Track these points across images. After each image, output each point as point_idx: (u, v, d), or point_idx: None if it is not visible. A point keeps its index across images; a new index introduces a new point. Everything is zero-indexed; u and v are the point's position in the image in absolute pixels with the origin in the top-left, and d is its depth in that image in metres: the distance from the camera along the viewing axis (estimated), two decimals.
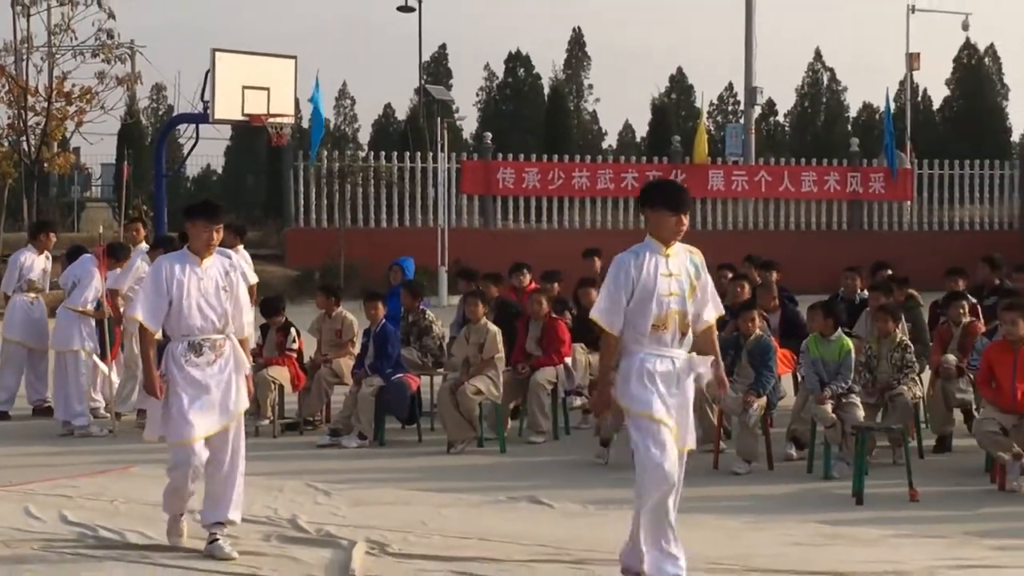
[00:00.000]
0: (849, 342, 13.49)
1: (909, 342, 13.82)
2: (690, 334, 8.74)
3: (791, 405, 13.98)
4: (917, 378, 13.82)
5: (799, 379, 13.88)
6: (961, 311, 14.55)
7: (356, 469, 13.31)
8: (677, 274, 8.58)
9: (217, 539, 9.33)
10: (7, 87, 36.23)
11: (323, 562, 9.47)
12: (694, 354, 8.71)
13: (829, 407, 12.83)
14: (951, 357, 14.13)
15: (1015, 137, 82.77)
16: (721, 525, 10.71)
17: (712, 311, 8.87)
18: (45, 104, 35.66)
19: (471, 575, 9.03)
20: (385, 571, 9.15)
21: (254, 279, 15.28)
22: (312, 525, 10.49)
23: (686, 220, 8.68)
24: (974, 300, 15.19)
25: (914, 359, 13.71)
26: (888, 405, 13.28)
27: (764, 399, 13.24)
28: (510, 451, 14.26)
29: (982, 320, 14.81)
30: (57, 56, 36.07)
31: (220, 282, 9.52)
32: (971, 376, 13.82)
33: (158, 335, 9.71)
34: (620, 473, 13.13)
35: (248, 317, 9.90)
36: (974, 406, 14.28)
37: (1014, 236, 38.32)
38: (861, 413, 12.84)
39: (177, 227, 23.22)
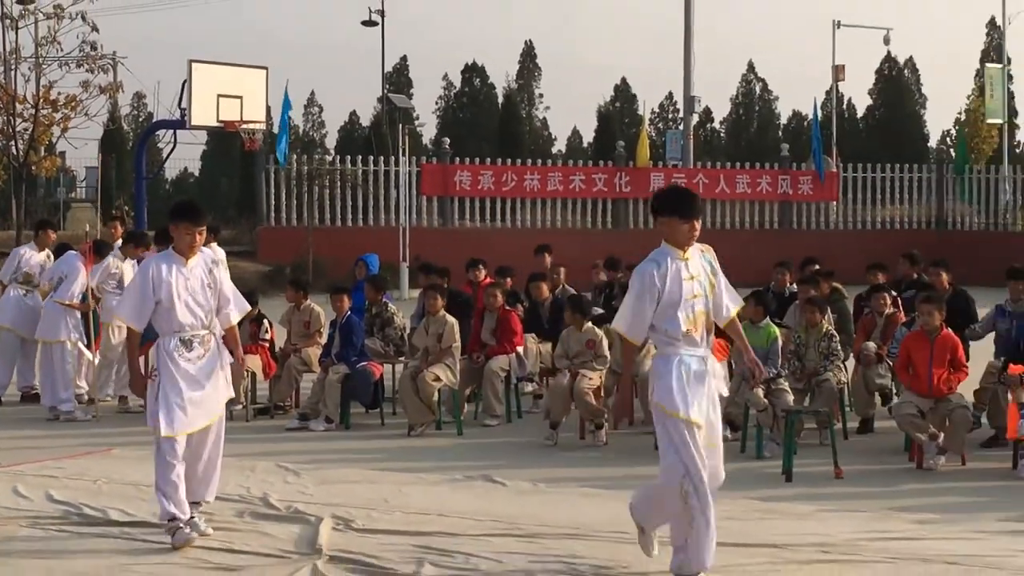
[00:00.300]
0: (776, 330, 13.56)
1: (835, 332, 13.90)
2: (711, 332, 8.43)
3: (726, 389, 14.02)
4: (842, 365, 13.88)
5: (733, 366, 13.92)
6: (883, 302, 14.64)
7: (323, 451, 13.29)
8: (697, 276, 8.28)
9: (193, 517, 9.28)
10: None
11: (292, 537, 9.45)
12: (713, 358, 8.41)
13: (761, 392, 12.89)
14: (871, 345, 14.24)
15: (932, 143, 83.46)
16: None
17: (732, 303, 8.56)
18: (33, 111, 35.52)
19: (430, 548, 9.02)
20: (350, 545, 9.13)
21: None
22: (282, 502, 10.47)
23: (698, 225, 8.33)
24: (894, 293, 15.28)
25: (839, 348, 13.78)
26: (815, 390, 13.34)
27: None
28: (466, 433, 14.25)
29: (902, 311, 14.91)
30: (44, 66, 35.81)
31: (205, 279, 9.41)
32: (890, 363, 13.93)
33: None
34: (568, 453, 13.20)
35: (239, 306, 9.82)
36: (892, 391, 14.40)
37: (931, 234, 38.54)
38: (790, 398, 12.90)
39: (156, 226, 23.19)
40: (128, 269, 15.75)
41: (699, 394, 8.10)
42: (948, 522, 9.98)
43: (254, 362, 15.27)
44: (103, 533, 9.60)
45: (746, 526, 9.73)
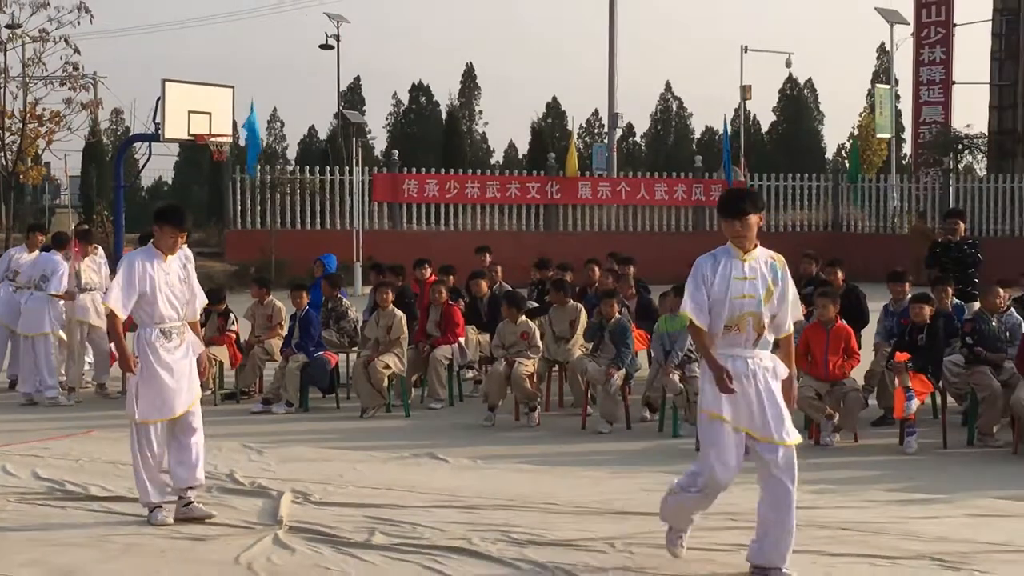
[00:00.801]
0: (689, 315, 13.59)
1: None
2: (768, 336, 7.70)
3: (646, 376, 14.07)
4: None
5: (652, 355, 13.96)
6: None
7: (284, 431, 13.24)
8: (752, 277, 7.57)
9: (191, 501, 9.14)
10: None
11: (256, 509, 9.42)
12: (779, 361, 7.76)
13: (676, 377, 12.93)
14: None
15: (828, 155, 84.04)
16: (587, 475, 10.75)
17: (789, 321, 7.75)
18: (20, 125, 35.35)
19: (380, 519, 9.00)
20: (308, 517, 9.10)
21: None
22: (247, 478, 10.42)
23: (744, 223, 7.63)
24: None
25: None
26: None
27: (623, 371, 13.31)
28: (413, 416, 14.23)
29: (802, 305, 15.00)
30: (30, 85, 35.62)
31: (181, 275, 9.32)
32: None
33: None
34: (505, 433, 13.20)
35: (201, 300, 9.72)
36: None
37: (827, 236, 38.73)
38: None
39: (133, 228, 22.95)
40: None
41: (736, 394, 7.47)
42: (842, 492, 10.06)
43: (221, 352, 15.24)
44: (84, 507, 9.55)
45: (658, 496, 9.68)
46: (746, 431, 7.52)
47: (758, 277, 7.59)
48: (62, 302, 15.45)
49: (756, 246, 7.72)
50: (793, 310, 7.74)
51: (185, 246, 9.54)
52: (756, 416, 7.48)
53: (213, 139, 22.05)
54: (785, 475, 7.51)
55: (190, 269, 9.48)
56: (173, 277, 9.23)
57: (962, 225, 17.01)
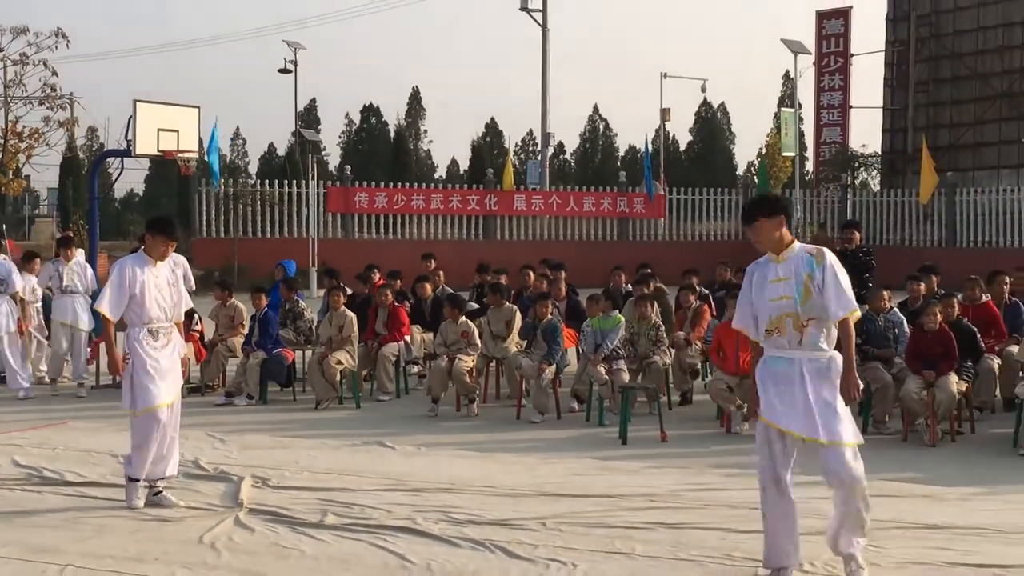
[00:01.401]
0: (621, 318, 13.65)
1: (661, 323, 14.02)
2: (816, 333, 6.94)
3: (575, 370, 14.09)
4: (667, 349, 13.99)
5: (580, 351, 13.99)
6: (690, 298, 14.82)
7: (245, 422, 13.15)
8: (787, 278, 6.99)
9: (161, 491, 9.01)
10: None
11: (219, 492, 9.35)
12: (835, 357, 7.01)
13: (602, 371, 12.97)
14: (682, 333, 14.40)
15: (739, 171, 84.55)
16: (521, 461, 10.74)
17: (837, 308, 6.91)
18: (2, 141, 34.99)
19: (333, 501, 8.95)
20: (266, 500, 9.04)
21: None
22: (211, 465, 10.35)
23: (752, 228, 7.11)
24: (707, 291, 15.44)
25: (664, 335, 13.91)
26: (645, 370, 13.44)
27: (554, 366, 13.33)
28: (363, 407, 14.17)
29: (713, 306, 15.11)
30: (11, 104, 35.28)
31: (170, 279, 9.25)
32: (700, 347, 14.12)
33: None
34: (447, 422, 13.17)
35: (186, 305, 9.61)
36: (699, 369, 14.55)
37: (739, 245, 38.89)
38: (626, 376, 13.00)
39: (107, 237, 22.68)
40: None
41: (783, 395, 6.92)
42: (750, 476, 10.06)
43: (188, 349, 15.10)
44: (59, 492, 9.42)
45: (588, 480, 9.79)
46: (793, 433, 6.88)
47: (792, 276, 6.99)
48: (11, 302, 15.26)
49: (789, 246, 7.10)
50: (837, 300, 6.90)
51: (175, 254, 9.46)
52: (802, 417, 6.82)
53: (180, 155, 21.92)
54: (839, 473, 6.79)
55: (179, 274, 9.40)
56: (162, 281, 9.15)
57: (857, 235, 17.17)
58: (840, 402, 6.84)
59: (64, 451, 11.06)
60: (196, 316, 15.58)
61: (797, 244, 7.15)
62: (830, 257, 7.08)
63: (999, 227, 36.80)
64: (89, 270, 16.03)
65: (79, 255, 16.40)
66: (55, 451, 11.06)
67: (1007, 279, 14.01)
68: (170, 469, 9.14)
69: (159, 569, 7.26)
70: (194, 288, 16.67)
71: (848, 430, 6.81)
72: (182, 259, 17.03)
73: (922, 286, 13.63)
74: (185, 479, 9.75)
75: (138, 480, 8.89)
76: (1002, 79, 43.17)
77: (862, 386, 6.97)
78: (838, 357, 6.94)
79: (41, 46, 34.35)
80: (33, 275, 16.10)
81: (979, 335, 12.57)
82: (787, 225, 7.24)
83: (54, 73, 34.69)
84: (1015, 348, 12.67)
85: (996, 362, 12.89)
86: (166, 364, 9.08)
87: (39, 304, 16.31)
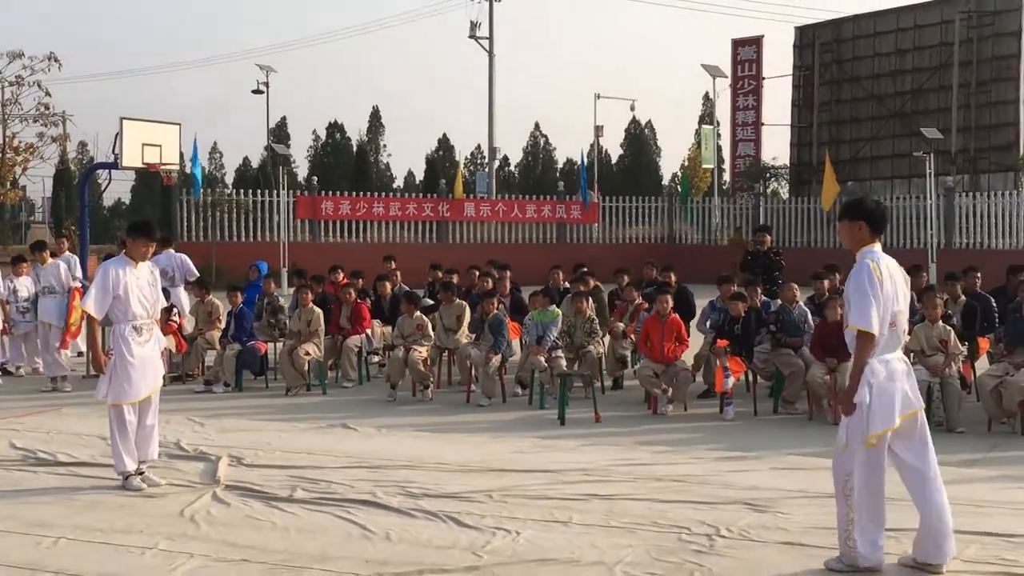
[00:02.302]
0: (559, 312, 13.65)
1: (595, 316, 14.05)
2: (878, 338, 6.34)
3: (519, 359, 14.10)
4: (600, 340, 14.02)
5: (523, 342, 13.98)
6: (633, 296, 14.85)
7: (222, 407, 13.05)
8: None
9: (143, 472, 8.90)
10: None
11: (198, 471, 9.29)
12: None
13: (543, 359, 12.98)
14: (621, 325, 14.43)
15: (665, 181, 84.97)
16: (470, 440, 10.75)
17: (847, 319, 6.46)
18: (0, 155, 34.57)
19: (302, 478, 8.92)
20: (241, 477, 8.99)
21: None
22: (190, 446, 10.28)
23: (842, 227, 6.65)
24: (636, 291, 15.50)
25: (598, 328, 13.93)
26: (581, 359, 13.46)
27: (500, 356, 13.33)
28: (329, 393, 14.10)
29: (644, 302, 15.15)
30: (8, 121, 34.89)
31: (150, 280, 9.15)
32: (633, 338, 14.16)
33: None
34: (404, 406, 13.14)
35: (161, 305, 9.49)
36: (629, 358, 14.58)
37: (664, 247, 39.16)
38: (564, 364, 13.00)
39: (97, 241, 22.43)
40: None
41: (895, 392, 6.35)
42: (674, 452, 10.17)
43: (170, 341, 14.98)
44: (53, 472, 9.34)
45: (530, 457, 9.80)
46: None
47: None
48: None
49: (861, 250, 6.54)
50: (848, 306, 6.44)
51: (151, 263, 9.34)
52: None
53: (163, 167, 21.74)
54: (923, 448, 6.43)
55: (156, 275, 9.29)
56: (143, 281, 9.04)
57: (768, 238, 17.32)
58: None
59: (57, 435, 10.95)
60: (175, 309, 15.48)
61: (868, 251, 6.52)
62: (857, 265, 6.48)
63: (893, 230, 37.22)
64: (62, 268, 15.65)
65: (66, 256, 16.13)
66: (49, 435, 10.95)
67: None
68: (152, 453, 9.04)
69: (144, 539, 7.20)
70: (197, 275, 17.24)
71: (840, 438, 6.45)
72: (183, 256, 17.19)
73: (825, 283, 13.75)
74: (167, 459, 9.67)
75: (129, 475, 8.78)
76: (895, 100, 43.64)
77: (865, 401, 6.28)
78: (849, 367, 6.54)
79: (35, 69, 34.19)
80: (20, 277, 15.82)
81: None
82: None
83: (47, 93, 34.55)
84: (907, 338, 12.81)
85: None
86: (149, 358, 8.96)
87: (25, 304, 15.94)
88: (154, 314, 9.17)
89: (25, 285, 15.82)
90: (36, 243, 16.92)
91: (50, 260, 15.77)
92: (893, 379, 6.37)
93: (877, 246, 6.57)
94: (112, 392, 8.81)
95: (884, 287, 6.35)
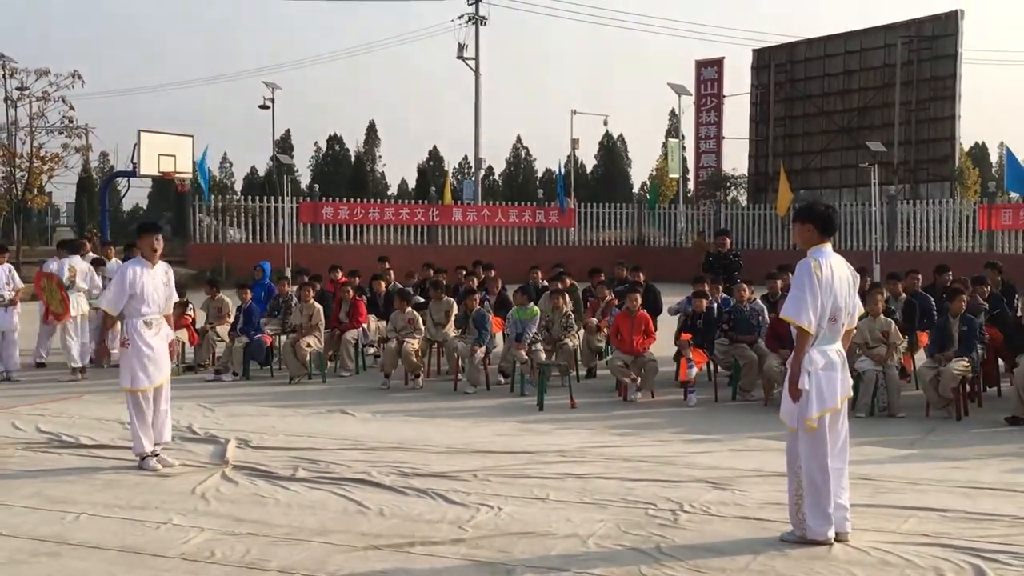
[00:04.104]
0: (537, 310, 13.65)
1: (571, 311, 14.05)
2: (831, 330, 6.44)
3: (501, 351, 14.10)
4: (576, 334, 14.03)
5: (505, 335, 13.98)
6: (604, 293, 14.85)
7: (231, 394, 13.00)
8: None
9: (158, 453, 8.84)
10: (3, 153, 35.53)
11: (208, 452, 9.25)
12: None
13: (524, 352, 12.98)
14: (594, 320, 14.44)
15: (635, 189, 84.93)
16: (456, 424, 10.73)
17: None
18: (28, 164, 34.50)
19: (303, 459, 8.89)
20: (248, 458, 8.96)
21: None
22: (202, 429, 10.24)
23: (796, 230, 6.62)
24: (608, 288, 15.50)
25: (574, 322, 13.93)
26: (558, 350, 13.47)
27: (484, 347, 13.33)
28: (328, 382, 14.06)
29: (615, 298, 15.14)
30: (35, 133, 34.77)
31: (163, 279, 9.10)
32: (606, 331, 14.16)
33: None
34: (396, 393, 13.11)
35: (173, 300, 9.41)
36: (602, 350, 14.59)
37: (634, 249, 39.13)
38: (543, 355, 12.99)
39: (116, 242, 22.36)
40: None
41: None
42: (641, 435, 10.18)
43: (182, 334, 14.96)
44: (75, 453, 9.29)
45: (511, 439, 9.80)
46: None
47: None
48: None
49: (810, 249, 6.49)
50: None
51: (165, 263, 9.29)
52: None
53: (177, 175, 21.72)
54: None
55: (169, 276, 9.24)
56: (158, 281, 9.02)
57: (728, 241, 17.36)
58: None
59: (79, 419, 10.89)
60: (190, 304, 15.49)
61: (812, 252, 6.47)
62: (801, 263, 6.42)
63: (841, 234, 37.35)
64: (90, 271, 15.42)
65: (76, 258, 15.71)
66: (72, 419, 10.89)
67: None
68: (166, 435, 9.03)
69: (159, 515, 7.18)
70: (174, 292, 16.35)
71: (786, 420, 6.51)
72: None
73: (779, 282, 13.78)
74: (180, 442, 9.63)
75: (147, 455, 8.75)
76: (843, 116, 43.75)
77: (805, 386, 6.26)
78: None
79: (60, 84, 33.96)
80: None
81: None
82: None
83: (71, 107, 34.36)
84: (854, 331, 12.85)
85: None
86: (160, 348, 8.94)
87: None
88: (165, 310, 9.13)
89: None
90: (63, 242, 16.81)
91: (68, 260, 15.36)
92: (830, 368, 6.38)
93: (827, 246, 6.53)
94: (131, 380, 8.79)
95: (823, 283, 6.32)
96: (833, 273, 6.42)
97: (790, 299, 6.37)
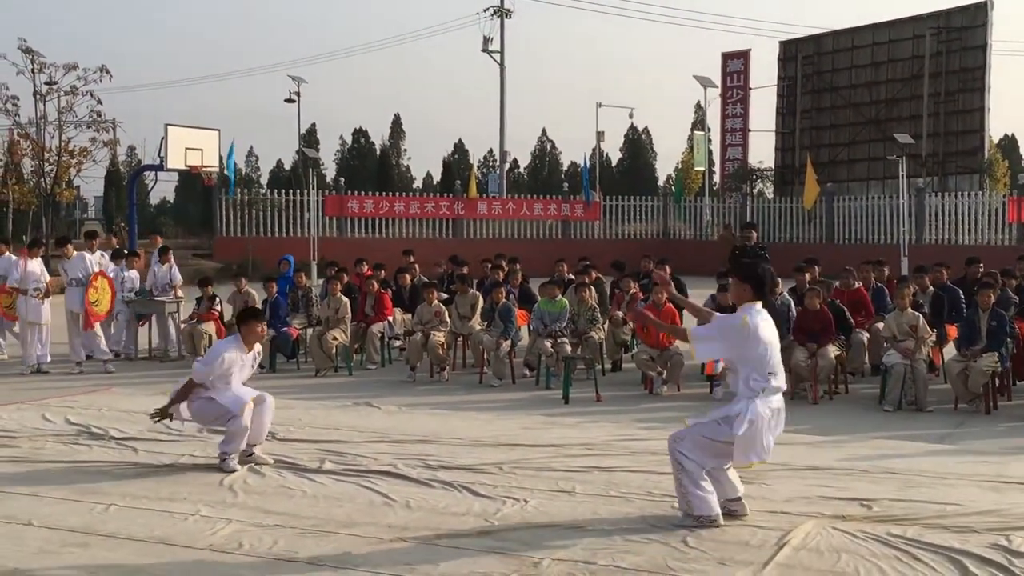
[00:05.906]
0: (566, 302, 13.66)
1: (596, 305, 14.04)
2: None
3: (527, 344, 14.10)
4: (601, 326, 14.02)
5: (531, 328, 13.99)
6: (629, 285, 14.83)
7: (257, 387, 12.85)
8: None
9: (253, 452, 8.55)
10: (32, 148, 35.75)
11: None
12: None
13: (549, 344, 12.99)
14: (620, 313, 14.42)
15: (660, 182, 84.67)
16: (481, 417, 10.74)
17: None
18: (56, 158, 34.75)
19: (329, 451, 8.93)
20: (275, 450, 8.99)
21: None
22: None
23: (732, 284, 7.00)
24: (633, 281, 15.47)
25: (599, 315, 13.93)
26: (584, 343, 13.48)
27: (509, 340, 13.35)
28: (355, 374, 14.13)
29: (640, 292, 15.11)
30: (64, 127, 34.99)
31: (252, 362, 8.81)
32: (631, 324, 14.14)
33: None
34: (422, 386, 13.17)
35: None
36: (629, 343, 14.57)
37: (660, 242, 39.07)
38: (568, 348, 13.01)
39: (143, 235, 22.51)
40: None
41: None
42: (668, 428, 10.09)
43: (210, 327, 15.10)
44: (103, 444, 9.37)
45: (537, 433, 9.80)
46: None
47: None
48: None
49: (743, 304, 6.74)
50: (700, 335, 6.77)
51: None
52: None
53: (204, 169, 21.76)
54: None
55: (258, 358, 8.96)
56: (247, 365, 8.71)
57: (755, 234, 17.25)
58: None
59: (108, 412, 10.97)
60: (217, 298, 15.59)
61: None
62: (734, 314, 6.76)
63: (869, 227, 37.15)
64: (88, 259, 15.07)
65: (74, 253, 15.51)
66: (101, 412, 10.97)
67: (873, 269, 14.12)
68: (261, 437, 8.73)
69: (187, 506, 7.22)
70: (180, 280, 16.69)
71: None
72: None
73: (806, 275, 13.71)
74: (208, 434, 9.67)
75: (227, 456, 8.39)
76: (871, 108, 43.46)
77: (739, 432, 6.51)
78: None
79: (88, 79, 34.14)
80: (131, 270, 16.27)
81: (849, 313, 12.73)
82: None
83: (99, 102, 34.53)
84: (881, 324, 12.78)
85: (866, 336, 13.02)
86: (234, 386, 8.64)
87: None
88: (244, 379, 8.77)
89: (132, 277, 16.20)
90: (60, 239, 16.84)
91: (75, 253, 15.17)
92: (768, 429, 6.65)
93: (758, 305, 6.70)
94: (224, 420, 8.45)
95: (744, 336, 6.50)
96: (760, 328, 6.55)
97: (707, 339, 6.70)
